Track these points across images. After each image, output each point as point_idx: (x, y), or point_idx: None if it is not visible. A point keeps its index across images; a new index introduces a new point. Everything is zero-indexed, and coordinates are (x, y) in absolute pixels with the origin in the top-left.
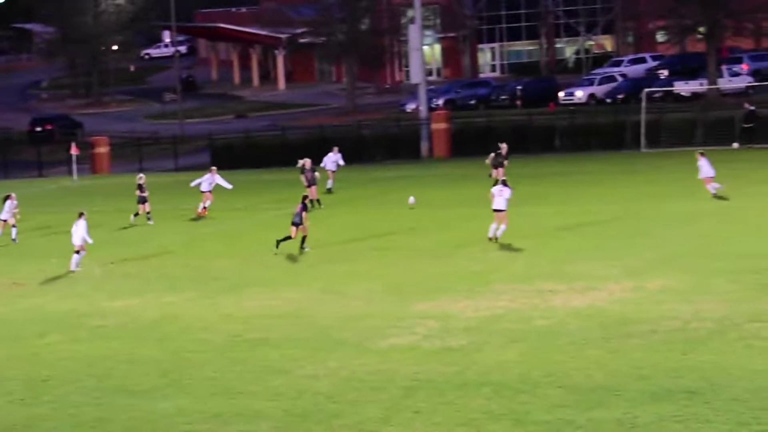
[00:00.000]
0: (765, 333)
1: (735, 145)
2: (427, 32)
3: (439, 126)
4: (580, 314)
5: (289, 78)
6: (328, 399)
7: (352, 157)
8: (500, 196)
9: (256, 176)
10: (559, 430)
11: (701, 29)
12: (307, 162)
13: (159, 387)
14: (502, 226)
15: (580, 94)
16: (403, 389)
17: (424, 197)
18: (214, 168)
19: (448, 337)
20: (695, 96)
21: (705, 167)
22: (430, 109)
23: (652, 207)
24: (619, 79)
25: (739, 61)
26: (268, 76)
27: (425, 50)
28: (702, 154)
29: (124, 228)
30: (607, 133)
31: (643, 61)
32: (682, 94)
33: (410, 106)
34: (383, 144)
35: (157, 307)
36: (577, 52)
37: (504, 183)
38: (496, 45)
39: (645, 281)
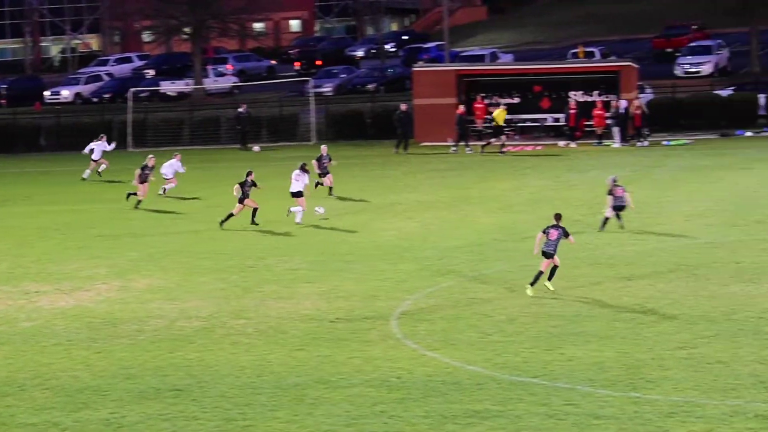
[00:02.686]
0: (250, 330)
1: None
2: None
3: None
4: (67, 315)
5: None
6: None
7: None
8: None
9: None
10: None
11: (187, 29)
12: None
13: None
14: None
15: (66, 93)
16: None
17: None
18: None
19: None
20: (181, 96)
21: None
22: None
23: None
24: (106, 78)
25: (225, 61)
26: None
27: None
28: None
29: None
30: (94, 133)
31: (129, 60)
32: (169, 93)
33: None
34: None
35: None
36: (63, 51)
37: (302, 168)
38: None
39: (132, 281)
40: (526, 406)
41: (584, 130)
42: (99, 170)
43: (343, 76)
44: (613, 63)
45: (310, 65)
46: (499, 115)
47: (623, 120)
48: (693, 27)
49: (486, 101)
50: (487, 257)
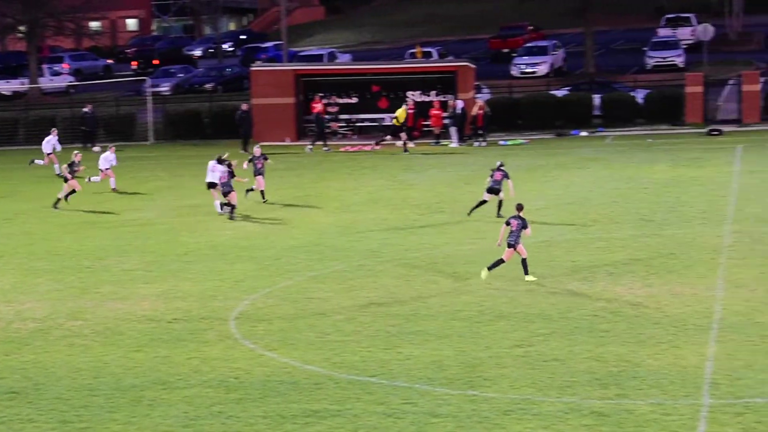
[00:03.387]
0: (87, 331)
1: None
2: None
3: None
4: None
5: None
6: None
7: None
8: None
9: None
10: None
11: (22, 28)
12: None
13: None
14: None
15: None
16: None
17: None
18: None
19: None
20: (16, 95)
21: None
22: None
23: None
24: None
25: (60, 60)
26: None
27: None
28: None
29: None
30: None
31: None
32: (4, 93)
33: None
34: None
35: None
36: None
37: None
38: None
39: None
40: (364, 405)
41: (422, 129)
42: (36, 162)
43: (180, 75)
44: (450, 63)
45: (147, 64)
46: (401, 114)
47: (461, 120)
48: (529, 28)
49: (324, 101)
50: (325, 257)
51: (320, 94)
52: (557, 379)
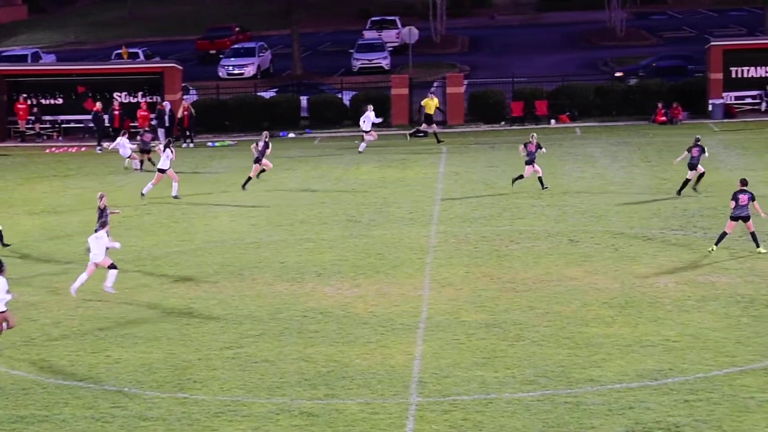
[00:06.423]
0: None
1: None
2: None
3: None
4: None
5: None
6: None
7: None
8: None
9: None
10: None
11: None
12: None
13: None
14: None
15: None
16: None
17: None
18: None
19: None
20: None
21: None
22: None
23: None
24: None
25: None
26: None
27: None
28: None
29: None
30: None
31: None
32: None
33: None
34: None
35: None
36: None
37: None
38: None
39: None
40: (72, 410)
41: (129, 130)
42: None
43: None
44: (156, 64)
45: None
46: (428, 103)
47: (169, 121)
48: (236, 29)
49: (29, 102)
50: (30, 260)
51: (24, 95)
52: (267, 380)
